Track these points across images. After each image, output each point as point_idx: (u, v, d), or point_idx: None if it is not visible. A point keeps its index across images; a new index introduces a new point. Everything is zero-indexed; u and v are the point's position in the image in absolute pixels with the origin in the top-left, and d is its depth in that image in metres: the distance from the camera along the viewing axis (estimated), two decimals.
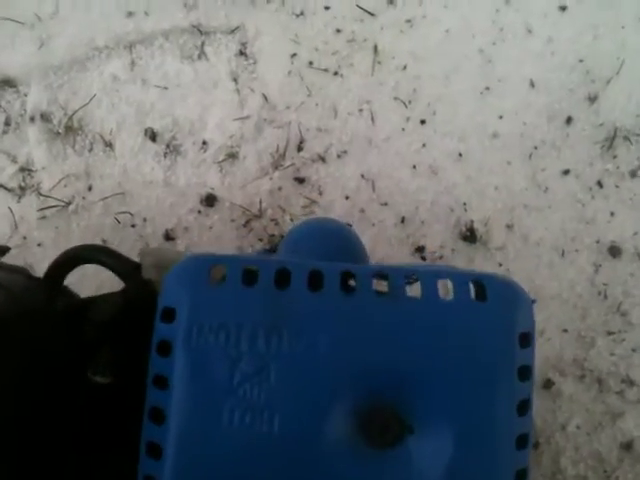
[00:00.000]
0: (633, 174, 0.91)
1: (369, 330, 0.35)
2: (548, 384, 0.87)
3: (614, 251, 0.89)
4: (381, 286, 0.38)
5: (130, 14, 0.94)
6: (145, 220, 0.91)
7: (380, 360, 0.35)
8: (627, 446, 0.87)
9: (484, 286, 0.37)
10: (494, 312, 0.36)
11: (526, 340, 0.36)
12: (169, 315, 0.35)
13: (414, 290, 0.37)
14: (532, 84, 0.92)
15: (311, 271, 0.37)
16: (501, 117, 0.92)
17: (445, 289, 0.39)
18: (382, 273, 0.38)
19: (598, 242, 0.89)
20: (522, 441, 0.34)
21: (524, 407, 0.35)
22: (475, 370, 0.35)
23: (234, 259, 0.38)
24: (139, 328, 0.39)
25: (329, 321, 0.35)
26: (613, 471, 0.86)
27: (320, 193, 0.91)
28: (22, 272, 0.53)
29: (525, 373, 0.36)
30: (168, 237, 0.90)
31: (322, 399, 0.34)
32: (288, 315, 0.35)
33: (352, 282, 0.38)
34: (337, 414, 0.33)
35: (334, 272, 0.37)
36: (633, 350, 0.88)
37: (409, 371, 0.34)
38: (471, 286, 0.37)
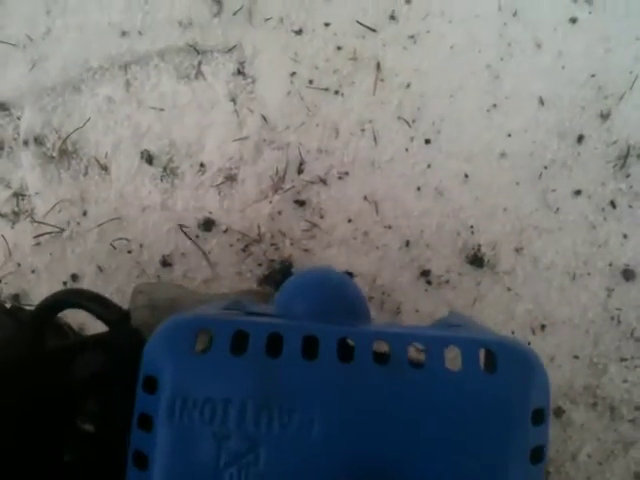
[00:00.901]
0: None
1: (368, 406, 0.33)
2: (559, 412, 0.85)
3: (628, 274, 0.86)
4: (384, 346, 0.36)
5: (124, 34, 0.92)
6: (142, 246, 0.89)
7: (380, 440, 0.32)
8: None
9: (494, 354, 0.34)
10: (505, 386, 0.34)
11: (540, 417, 0.34)
12: (151, 385, 0.34)
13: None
14: (541, 101, 0.89)
15: (305, 336, 0.34)
16: (509, 135, 0.89)
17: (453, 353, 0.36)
18: (383, 339, 0.36)
19: (611, 265, 0.87)
20: None
21: None
22: (483, 451, 0.33)
23: (222, 322, 0.35)
24: (126, 379, 0.37)
25: (324, 396, 0.33)
26: None
27: (321, 216, 0.89)
28: (11, 313, 0.51)
29: (538, 455, 0.33)
30: (165, 263, 0.89)
31: None
32: (280, 389, 0.33)
33: (351, 341, 0.35)
34: None
35: (330, 338, 0.35)
36: None
37: (412, 452, 0.32)
38: (481, 354, 0.35)
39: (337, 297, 0.44)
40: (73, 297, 0.47)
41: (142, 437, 0.33)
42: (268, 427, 0.32)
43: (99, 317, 0.46)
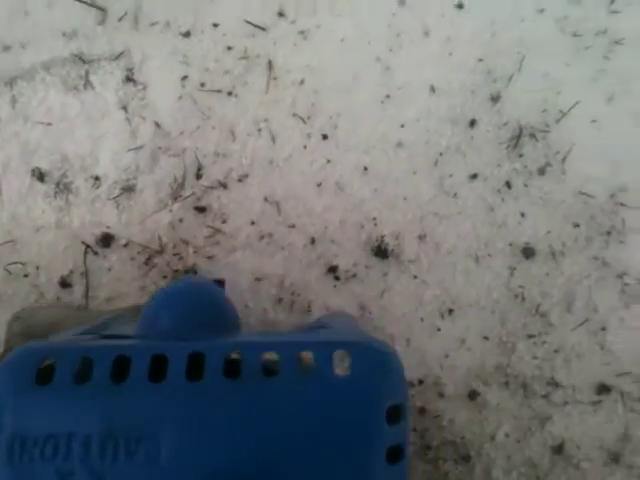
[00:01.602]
0: (541, 172, 0.90)
1: (219, 424, 0.32)
2: (473, 395, 0.86)
3: (527, 252, 0.88)
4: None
5: (6, 48, 0.90)
6: (38, 268, 0.87)
7: (234, 458, 0.32)
8: (558, 449, 0.87)
9: (349, 355, 0.34)
10: (356, 387, 0.34)
11: (395, 415, 0.34)
12: None
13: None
14: (433, 89, 0.91)
15: (154, 356, 0.33)
16: (403, 126, 0.90)
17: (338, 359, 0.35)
18: (235, 350, 0.35)
19: (511, 245, 0.89)
20: None
21: None
22: (340, 457, 0.33)
23: (65, 350, 0.34)
24: None
25: (171, 418, 0.32)
26: (546, 476, 0.86)
27: (224, 221, 0.88)
28: None
29: (396, 454, 0.33)
30: (64, 284, 0.86)
31: None
32: (125, 416, 0.32)
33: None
34: None
35: (179, 356, 0.34)
36: (555, 351, 0.88)
37: (267, 464, 0.32)
38: (338, 356, 0.34)
39: (199, 310, 0.43)
40: None
41: None
42: (113, 459, 0.31)
43: None
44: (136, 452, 0.31)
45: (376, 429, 0.33)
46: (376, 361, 0.35)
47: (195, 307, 0.43)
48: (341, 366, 0.35)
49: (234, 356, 0.35)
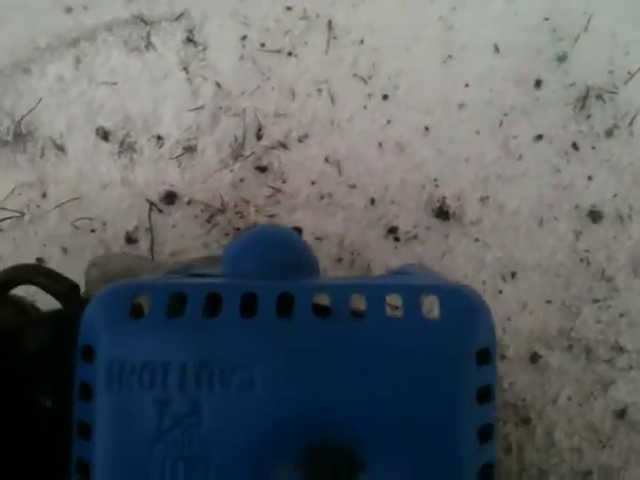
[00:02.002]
0: (609, 134, 0.88)
1: (310, 360, 0.33)
2: (535, 358, 0.86)
3: (594, 216, 0.87)
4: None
5: (69, 10, 0.92)
6: (105, 224, 0.89)
7: (324, 394, 0.32)
8: (620, 414, 0.85)
9: (437, 299, 0.34)
10: (447, 329, 0.34)
11: (485, 357, 0.34)
12: (88, 354, 0.33)
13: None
14: (496, 48, 0.89)
15: (244, 294, 0.34)
16: (467, 85, 0.89)
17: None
18: (323, 292, 0.35)
19: (577, 207, 0.87)
20: (486, 473, 0.32)
21: (486, 433, 0.33)
22: (429, 396, 0.33)
23: (158, 286, 0.35)
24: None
25: (264, 353, 0.33)
26: (608, 440, 0.85)
27: (284, 181, 0.89)
28: None
29: (486, 394, 0.34)
30: (130, 240, 0.88)
31: (261, 445, 0.31)
32: (219, 349, 0.33)
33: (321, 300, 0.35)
34: (280, 461, 0.31)
35: (269, 294, 0.34)
36: (621, 315, 0.86)
37: (357, 403, 0.32)
38: (424, 299, 0.34)
39: (283, 253, 0.44)
40: (19, 273, 0.46)
41: (83, 407, 0.32)
42: (209, 388, 0.31)
43: (48, 291, 0.46)
44: (230, 382, 0.31)
45: (467, 370, 0.33)
46: (465, 305, 0.35)
47: (278, 249, 0.44)
48: (429, 311, 0.35)
49: (322, 302, 0.35)
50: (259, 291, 0.34)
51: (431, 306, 0.36)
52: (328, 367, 0.32)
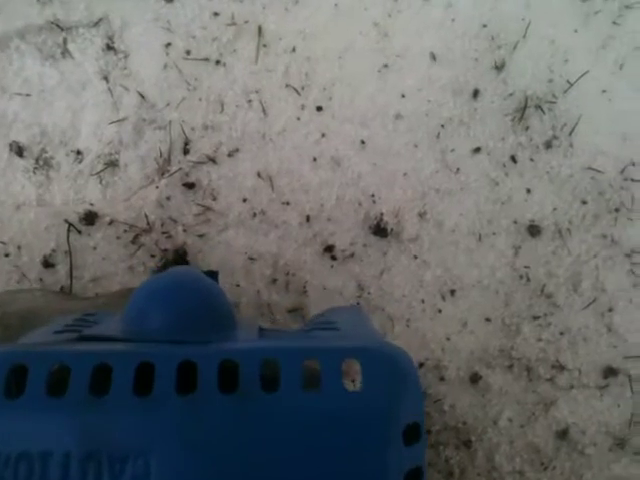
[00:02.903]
0: (548, 145, 0.87)
1: (214, 445, 0.29)
2: (475, 378, 0.84)
3: (533, 230, 0.85)
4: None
5: None
6: (19, 248, 0.83)
7: None
8: (562, 434, 0.85)
9: (360, 365, 0.31)
10: (369, 403, 0.30)
11: (414, 434, 0.31)
12: None
13: None
14: (433, 57, 0.87)
15: (139, 365, 0.30)
16: (403, 96, 0.86)
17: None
18: (231, 358, 0.31)
19: (516, 222, 0.86)
20: None
21: None
22: None
23: (38, 356, 0.30)
24: None
25: (161, 437, 0.29)
26: (550, 462, 0.84)
27: (214, 198, 0.84)
28: None
29: (415, 477, 0.30)
30: (47, 264, 0.83)
31: None
32: (109, 434, 0.29)
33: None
34: None
35: (168, 364, 0.30)
36: (561, 333, 0.85)
37: None
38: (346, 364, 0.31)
39: (192, 307, 0.39)
40: None
41: None
42: None
43: None
44: (121, 474, 0.28)
45: (393, 452, 0.29)
46: (391, 372, 0.31)
47: (187, 304, 0.39)
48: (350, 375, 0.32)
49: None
50: (157, 360, 0.30)
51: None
52: (236, 453, 0.28)
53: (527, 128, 0.88)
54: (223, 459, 0.28)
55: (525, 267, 0.86)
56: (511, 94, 0.88)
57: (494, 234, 0.87)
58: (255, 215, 0.86)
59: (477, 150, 0.87)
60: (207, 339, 0.35)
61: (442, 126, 0.87)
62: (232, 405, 0.29)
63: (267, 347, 0.33)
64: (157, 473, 0.28)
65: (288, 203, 0.87)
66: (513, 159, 0.87)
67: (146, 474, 0.28)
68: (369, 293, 0.86)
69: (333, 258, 0.87)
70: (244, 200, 0.86)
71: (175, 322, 0.37)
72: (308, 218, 0.87)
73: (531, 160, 0.87)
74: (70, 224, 0.84)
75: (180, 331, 0.36)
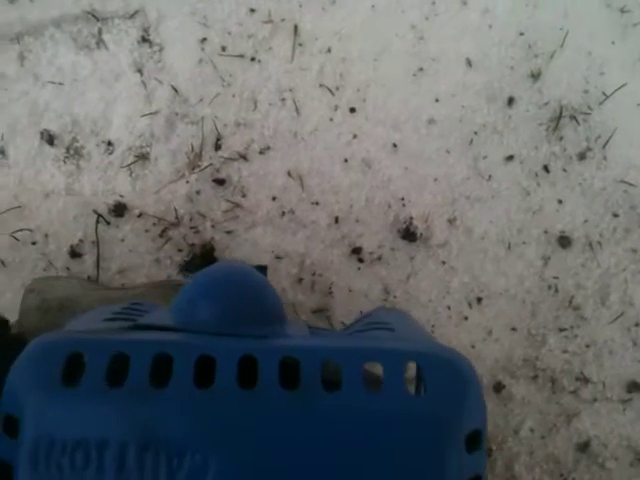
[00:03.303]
0: (581, 156, 0.86)
1: (274, 442, 0.28)
2: (498, 387, 0.84)
3: (564, 241, 0.85)
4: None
5: (12, 1, 0.84)
6: (47, 236, 0.83)
7: None
8: (583, 447, 0.84)
9: (421, 369, 0.30)
10: (433, 409, 0.30)
11: (475, 442, 0.30)
12: (10, 426, 0.28)
13: None
14: (469, 62, 0.86)
15: (200, 357, 0.29)
16: (437, 100, 0.86)
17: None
18: (292, 355, 0.31)
19: (546, 233, 0.85)
20: None
21: None
22: None
23: (96, 345, 0.30)
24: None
25: (221, 433, 0.28)
26: (569, 474, 0.84)
27: (244, 195, 0.84)
28: None
29: None
30: (74, 254, 0.83)
31: None
32: (167, 426, 0.28)
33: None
34: None
35: (229, 358, 0.30)
36: (587, 346, 0.85)
37: None
38: (405, 368, 0.31)
39: (244, 300, 0.38)
40: None
41: None
42: (154, 474, 0.27)
43: None
44: (179, 468, 0.27)
45: (455, 458, 0.29)
46: (456, 377, 0.31)
47: (239, 297, 0.38)
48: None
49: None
50: (217, 354, 0.30)
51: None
52: (295, 450, 0.28)
53: (561, 138, 0.87)
54: (282, 455, 0.28)
55: (554, 278, 0.86)
56: (546, 103, 0.88)
57: (524, 243, 0.86)
58: (284, 214, 0.86)
59: (510, 158, 0.87)
60: (260, 333, 0.35)
61: (475, 133, 0.87)
62: (293, 402, 0.29)
63: (329, 346, 0.32)
64: (216, 468, 0.27)
65: (317, 203, 0.86)
66: (546, 169, 0.87)
67: (204, 469, 0.27)
68: (395, 297, 0.86)
69: (360, 260, 0.86)
70: (273, 198, 0.86)
71: (227, 315, 0.37)
72: (337, 219, 0.86)
73: (564, 170, 0.87)
74: (99, 215, 0.84)
75: (232, 324, 0.36)
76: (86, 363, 0.29)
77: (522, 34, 0.89)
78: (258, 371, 0.29)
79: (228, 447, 0.28)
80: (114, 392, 0.28)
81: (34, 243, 0.85)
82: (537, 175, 0.87)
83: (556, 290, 0.86)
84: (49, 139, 0.86)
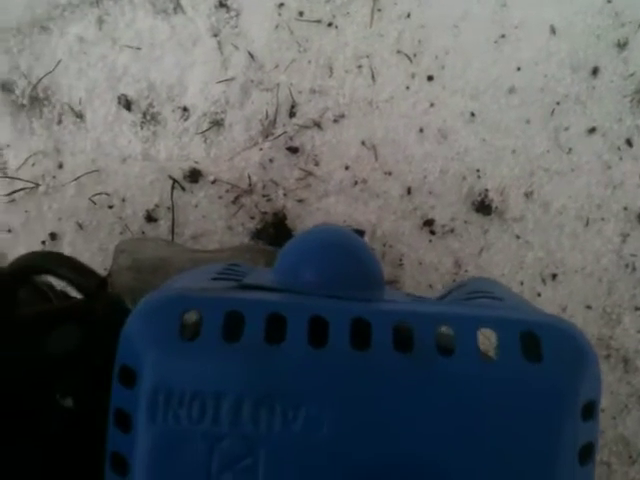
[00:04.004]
0: None
1: (387, 402, 0.29)
2: None
3: None
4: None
5: None
6: (124, 200, 0.85)
7: (403, 444, 0.28)
8: None
9: (538, 339, 0.30)
10: (551, 377, 0.29)
11: (591, 411, 0.30)
12: (128, 377, 0.29)
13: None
14: (553, 30, 0.84)
15: (312, 317, 0.30)
16: (519, 69, 0.84)
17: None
18: (406, 320, 0.31)
19: (626, 209, 0.83)
20: None
21: None
22: (525, 454, 0.28)
23: (212, 302, 0.30)
24: (106, 353, 0.33)
25: (335, 389, 0.29)
26: (638, 457, 0.82)
27: (316, 164, 0.84)
28: None
29: (588, 453, 0.30)
30: (150, 218, 0.85)
31: None
32: (282, 381, 0.29)
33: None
34: None
35: (343, 319, 0.30)
36: None
37: (441, 457, 0.28)
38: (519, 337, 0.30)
39: (349, 262, 0.39)
40: (43, 262, 0.42)
41: (120, 438, 0.29)
42: (268, 426, 0.28)
43: (72, 284, 0.42)
44: (294, 421, 0.28)
45: (571, 426, 0.28)
46: (573, 348, 0.30)
47: (345, 258, 0.39)
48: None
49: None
50: (330, 315, 0.30)
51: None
52: (408, 412, 0.28)
53: None
54: (395, 415, 0.28)
55: (632, 255, 0.84)
56: (632, 74, 0.85)
57: (602, 219, 0.84)
58: (356, 183, 0.86)
59: (592, 130, 0.85)
60: (362, 297, 0.35)
61: (557, 103, 0.85)
62: (407, 365, 0.29)
63: (442, 311, 0.32)
64: (329, 424, 0.28)
65: (390, 173, 0.86)
66: (629, 142, 0.84)
67: (319, 423, 0.28)
68: (466, 271, 0.85)
69: (432, 232, 0.86)
70: (346, 168, 0.86)
71: (331, 277, 0.37)
72: (409, 190, 0.86)
73: None
74: (175, 180, 0.86)
75: (336, 287, 0.36)
76: (202, 319, 0.30)
77: (609, 1, 0.86)
78: (372, 334, 0.30)
79: (343, 402, 0.28)
80: (231, 347, 0.29)
81: (111, 207, 0.87)
82: (619, 149, 0.85)
83: (634, 268, 0.84)
84: (126, 104, 0.87)
